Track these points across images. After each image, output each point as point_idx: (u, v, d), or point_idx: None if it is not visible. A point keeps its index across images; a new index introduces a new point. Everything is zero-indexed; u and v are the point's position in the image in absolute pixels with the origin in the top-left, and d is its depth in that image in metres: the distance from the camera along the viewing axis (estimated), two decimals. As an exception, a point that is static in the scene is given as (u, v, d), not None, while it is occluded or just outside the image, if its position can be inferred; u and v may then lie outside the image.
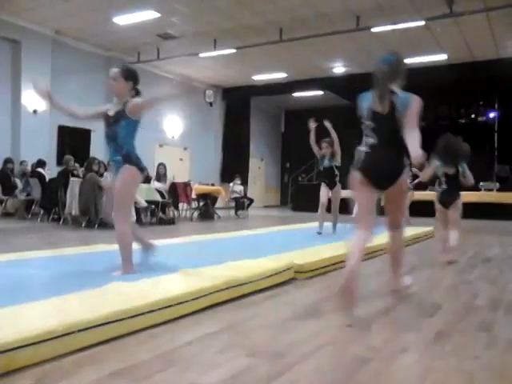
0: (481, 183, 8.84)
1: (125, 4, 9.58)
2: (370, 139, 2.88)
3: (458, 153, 4.86)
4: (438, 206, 5.05)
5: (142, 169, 3.35)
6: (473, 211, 11.22)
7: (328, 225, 6.72)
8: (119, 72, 3.41)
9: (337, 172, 6.69)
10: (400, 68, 3.04)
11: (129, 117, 3.29)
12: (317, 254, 4.28)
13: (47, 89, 3.43)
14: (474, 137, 14.99)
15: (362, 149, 2.91)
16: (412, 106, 2.80)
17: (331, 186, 6.70)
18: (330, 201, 6.75)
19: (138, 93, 3.45)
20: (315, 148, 6.77)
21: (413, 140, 2.70)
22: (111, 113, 3.36)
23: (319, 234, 6.52)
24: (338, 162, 6.65)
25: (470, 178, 4.96)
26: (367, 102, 2.93)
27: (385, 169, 2.85)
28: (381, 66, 2.91)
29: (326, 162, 6.73)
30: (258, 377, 1.82)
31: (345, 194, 6.64)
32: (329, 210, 6.76)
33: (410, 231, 7.11)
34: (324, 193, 6.72)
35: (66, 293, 2.54)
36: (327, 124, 6.57)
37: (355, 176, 2.90)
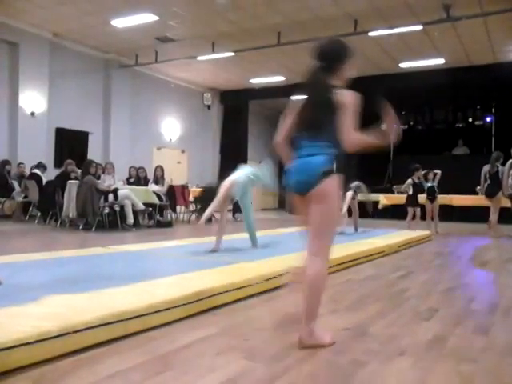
0: (478, 187, 8.83)
1: (123, 7, 9.59)
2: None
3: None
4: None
5: None
6: (470, 214, 11.28)
7: None
8: None
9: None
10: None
11: None
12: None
13: None
14: (471, 141, 15.08)
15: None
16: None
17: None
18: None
19: None
20: None
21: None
22: None
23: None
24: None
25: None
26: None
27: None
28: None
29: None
30: (255, 380, 1.82)
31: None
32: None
33: (406, 235, 7.12)
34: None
35: (62, 294, 2.54)
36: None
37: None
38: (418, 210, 8.94)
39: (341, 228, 6.92)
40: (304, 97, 2.24)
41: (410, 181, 8.94)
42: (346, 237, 6.74)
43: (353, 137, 2.07)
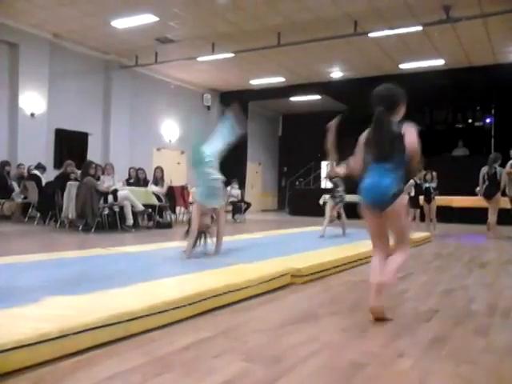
0: (477, 188, 8.83)
1: (123, 8, 9.60)
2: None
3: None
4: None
5: None
6: (470, 216, 11.29)
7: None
8: None
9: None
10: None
11: None
12: (314, 259, 4.29)
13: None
14: (471, 142, 15.10)
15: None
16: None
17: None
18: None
19: None
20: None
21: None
22: None
23: None
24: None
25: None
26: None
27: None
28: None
29: None
30: (254, 381, 1.82)
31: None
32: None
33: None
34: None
35: (62, 296, 2.54)
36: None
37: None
38: (418, 211, 8.92)
39: (322, 232, 6.77)
40: (371, 132, 2.77)
41: (412, 181, 8.90)
42: (345, 238, 6.74)
43: (417, 147, 2.65)
